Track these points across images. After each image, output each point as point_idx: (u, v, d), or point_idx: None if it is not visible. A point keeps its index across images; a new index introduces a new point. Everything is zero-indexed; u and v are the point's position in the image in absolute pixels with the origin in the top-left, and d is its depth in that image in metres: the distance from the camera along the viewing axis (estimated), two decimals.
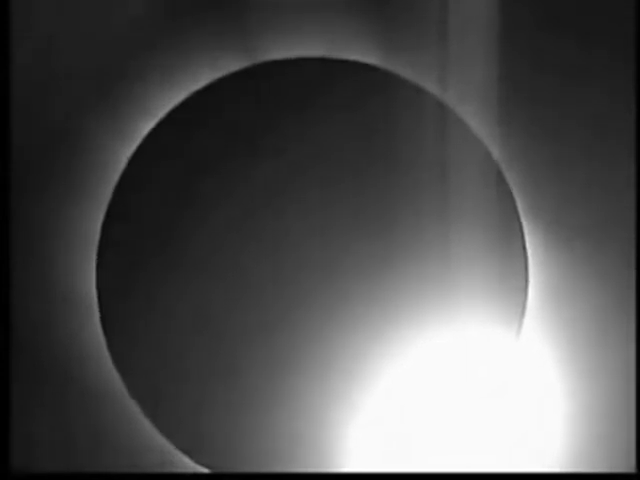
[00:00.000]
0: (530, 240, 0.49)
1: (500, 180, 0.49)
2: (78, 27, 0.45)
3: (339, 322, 0.49)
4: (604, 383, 0.44)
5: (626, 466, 0.39)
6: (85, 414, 0.47)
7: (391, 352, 0.49)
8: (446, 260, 0.49)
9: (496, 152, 0.49)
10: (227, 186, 0.50)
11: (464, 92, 0.48)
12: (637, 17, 0.42)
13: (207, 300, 0.50)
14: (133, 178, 0.50)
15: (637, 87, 0.42)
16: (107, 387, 0.49)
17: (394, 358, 0.49)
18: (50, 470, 0.44)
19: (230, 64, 0.50)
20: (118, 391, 0.49)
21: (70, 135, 0.48)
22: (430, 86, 0.49)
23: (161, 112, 0.50)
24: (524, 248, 0.49)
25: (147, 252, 0.50)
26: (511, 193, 0.49)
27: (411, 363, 0.49)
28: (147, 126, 0.50)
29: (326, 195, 0.50)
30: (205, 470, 0.49)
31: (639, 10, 0.41)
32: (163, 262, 0.50)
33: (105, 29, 0.46)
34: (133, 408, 0.49)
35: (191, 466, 0.49)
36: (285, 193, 0.50)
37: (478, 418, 0.48)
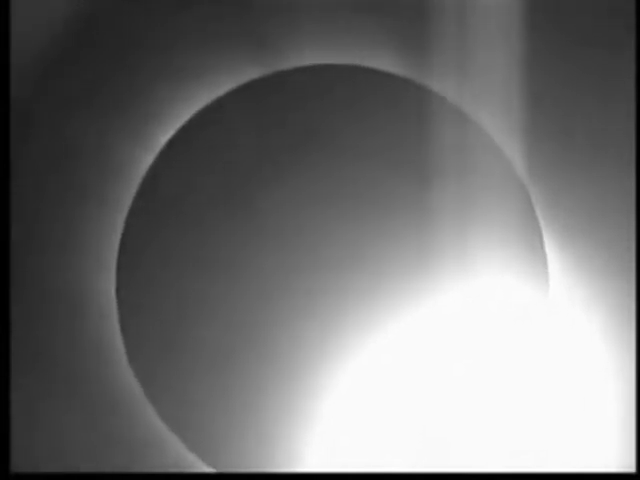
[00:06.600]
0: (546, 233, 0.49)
1: (518, 183, 0.49)
2: (86, 31, 0.45)
3: (359, 318, 0.50)
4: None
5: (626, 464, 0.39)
6: (93, 414, 0.47)
7: (414, 323, 0.49)
8: (467, 247, 0.50)
9: (514, 157, 0.49)
10: (247, 191, 0.50)
11: (482, 99, 0.48)
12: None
13: (226, 302, 0.50)
14: (154, 182, 0.51)
15: (638, 94, 0.42)
16: (117, 387, 0.49)
17: (418, 329, 0.49)
18: (50, 470, 0.44)
19: (249, 72, 0.51)
20: (130, 392, 0.49)
21: (87, 139, 0.48)
22: (449, 93, 0.50)
23: (178, 120, 0.51)
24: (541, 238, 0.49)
25: (165, 256, 0.50)
26: (528, 194, 0.49)
27: (437, 334, 0.49)
28: (166, 133, 0.51)
29: (348, 201, 0.50)
30: (211, 469, 0.49)
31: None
32: (181, 266, 0.50)
33: (117, 34, 0.46)
34: (146, 408, 0.50)
35: (199, 465, 0.49)
36: (301, 198, 0.50)
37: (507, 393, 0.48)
